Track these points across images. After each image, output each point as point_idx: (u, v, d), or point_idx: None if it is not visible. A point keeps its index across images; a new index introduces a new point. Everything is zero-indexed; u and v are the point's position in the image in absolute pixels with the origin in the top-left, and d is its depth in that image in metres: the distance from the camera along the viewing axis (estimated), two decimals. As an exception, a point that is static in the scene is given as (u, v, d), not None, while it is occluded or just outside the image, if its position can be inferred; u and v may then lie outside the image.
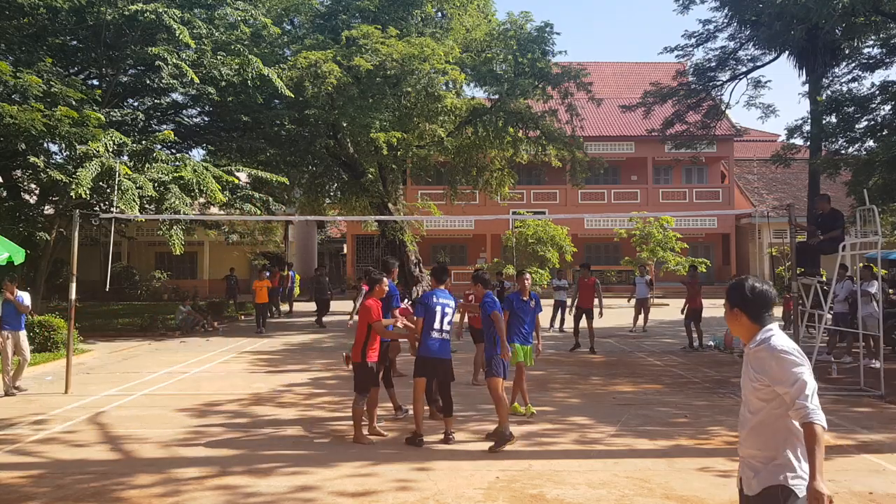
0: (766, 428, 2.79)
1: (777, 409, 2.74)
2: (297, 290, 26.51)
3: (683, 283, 16.06)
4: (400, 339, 8.60)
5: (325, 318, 19.65)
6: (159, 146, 15.68)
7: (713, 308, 15.43)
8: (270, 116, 19.08)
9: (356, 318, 7.95)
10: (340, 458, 6.22)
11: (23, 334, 9.89)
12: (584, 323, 13.72)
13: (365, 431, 6.88)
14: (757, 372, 2.79)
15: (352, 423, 6.92)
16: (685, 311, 14.32)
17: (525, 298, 7.94)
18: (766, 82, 36.02)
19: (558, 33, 43.29)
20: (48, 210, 16.43)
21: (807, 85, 20.75)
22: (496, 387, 6.78)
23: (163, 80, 16.69)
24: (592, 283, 14.00)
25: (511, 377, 7.74)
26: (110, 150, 13.80)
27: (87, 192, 12.70)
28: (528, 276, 8.18)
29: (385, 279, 7.30)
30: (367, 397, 6.86)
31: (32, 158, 13.59)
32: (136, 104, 19.00)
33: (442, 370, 6.80)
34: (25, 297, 9.93)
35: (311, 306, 23.95)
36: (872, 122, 17.37)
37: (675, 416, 7.97)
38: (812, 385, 2.67)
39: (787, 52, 21.08)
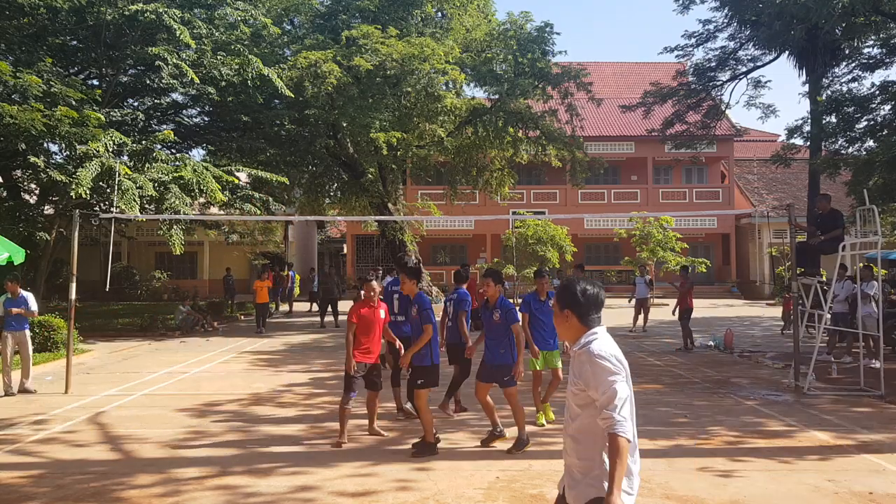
0: (584, 435, 2.69)
1: (594, 416, 2.64)
2: (297, 290, 26.51)
3: (671, 282, 16.06)
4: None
5: (332, 319, 19.36)
6: (159, 146, 15.68)
7: (713, 308, 15.50)
8: (270, 116, 19.09)
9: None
10: (340, 458, 6.22)
11: (26, 333, 9.88)
12: None
13: (348, 437, 6.75)
14: (575, 376, 2.72)
15: (351, 421, 6.93)
16: (676, 312, 14.32)
17: (543, 299, 7.50)
18: (766, 82, 36.11)
19: (558, 33, 43.35)
20: (48, 210, 16.43)
21: (807, 85, 20.77)
22: (513, 394, 6.61)
23: (163, 80, 16.70)
24: None
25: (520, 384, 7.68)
26: (110, 150, 13.80)
27: (87, 192, 12.70)
28: (546, 277, 7.76)
29: (373, 282, 6.97)
30: (350, 398, 6.70)
31: (32, 158, 13.60)
32: (136, 104, 19.01)
33: (453, 353, 7.75)
34: (30, 299, 9.91)
35: (310, 306, 24.00)
36: (872, 122, 17.38)
37: (675, 416, 7.97)
38: (623, 395, 2.57)
39: (787, 52, 21.10)
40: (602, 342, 2.71)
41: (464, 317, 7.59)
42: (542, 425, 7.45)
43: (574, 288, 2.82)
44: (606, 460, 2.58)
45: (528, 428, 7.40)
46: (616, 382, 2.59)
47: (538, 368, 7.48)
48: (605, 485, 2.55)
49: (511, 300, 9.92)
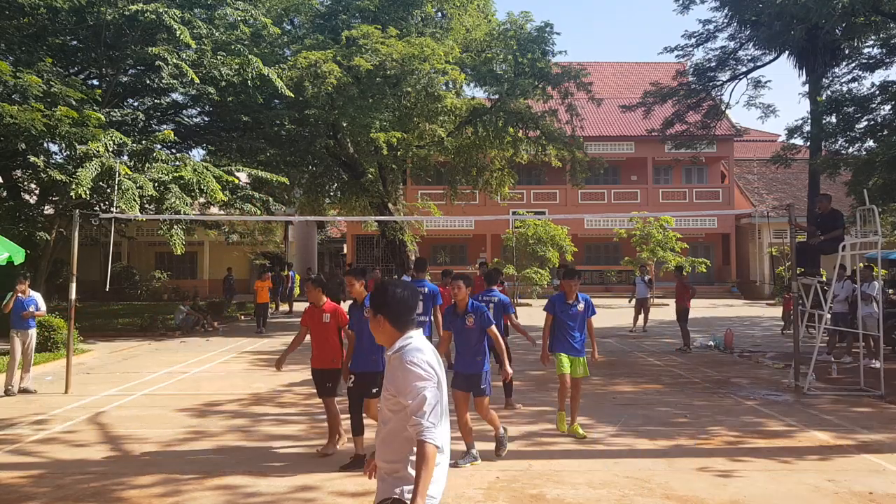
0: (394, 439, 2.66)
1: (404, 421, 2.61)
2: (297, 290, 26.52)
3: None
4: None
5: None
6: (159, 146, 15.67)
7: (713, 308, 15.52)
8: (270, 116, 19.08)
9: None
10: (341, 458, 6.21)
11: (34, 332, 9.92)
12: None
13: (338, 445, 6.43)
14: (388, 381, 2.71)
15: (351, 422, 6.93)
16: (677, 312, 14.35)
17: (570, 301, 6.97)
18: (766, 82, 36.10)
19: (558, 33, 43.29)
20: (48, 210, 16.43)
21: (807, 85, 20.77)
22: (484, 406, 6.13)
23: (163, 80, 16.69)
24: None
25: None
26: (110, 150, 13.80)
27: (87, 192, 12.70)
28: (577, 278, 7.12)
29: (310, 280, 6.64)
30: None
31: (32, 158, 13.59)
32: (136, 104, 19.00)
33: (494, 353, 7.71)
34: (39, 299, 10.00)
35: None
36: (872, 122, 17.38)
37: (675, 416, 7.97)
38: (433, 401, 2.57)
39: (787, 52, 21.10)
40: (416, 348, 2.68)
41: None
42: (584, 437, 6.88)
43: (386, 292, 2.78)
44: (412, 466, 2.57)
45: (529, 428, 7.40)
46: (426, 389, 2.58)
47: (566, 372, 6.91)
48: (405, 487, 2.58)
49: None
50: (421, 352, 2.68)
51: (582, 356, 7.00)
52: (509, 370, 6.50)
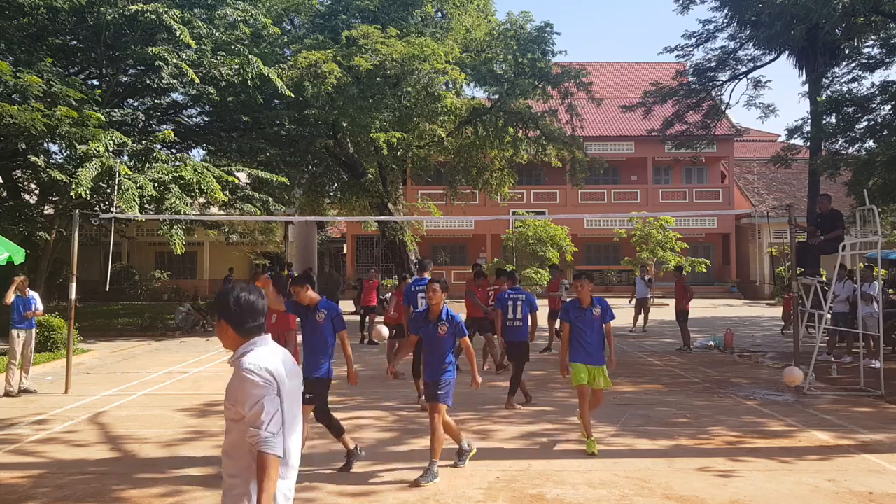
0: (236, 450, 2.53)
1: (244, 432, 2.49)
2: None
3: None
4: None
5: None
6: (159, 146, 15.69)
7: (713, 308, 15.53)
8: (270, 116, 19.08)
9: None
10: (341, 458, 6.21)
11: (34, 332, 9.94)
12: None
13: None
14: (227, 389, 2.59)
15: (350, 422, 6.93)
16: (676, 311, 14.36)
17: (585, 307, 6.58)
18: (766, 82, 35.99)
19: (558, 33, 43.29)
20: (48, 210, 16.43)
21: (807, 85, 20.77)
22: (438, 414, 5.71)
23: (163, 80, 16.70)
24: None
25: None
26: (110, 149, 13.80)
27: (87, 191, 12.70)
28: (585, 280, 6.67)
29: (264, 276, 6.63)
30: None
31: (32, 158, 13.60)
32: (136, 104, 19.01)
33: (514, 351, 8.45)
34: (38, 299, 10.00)
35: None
36: (872, 122, 17.39)
37: (675, 416, 7.97)
38: (271, 410, 2.47)
39: (787, 52, 21.10)
40: (256, 355, 2.56)
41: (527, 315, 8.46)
42: (594, 453, 6.30)
43: (227, 297, 2.64)
44: (252, 479, 2.47)
45: (529, 428, 7.40)
46: (264, 398, 2.46)
47: (584, 383, 6.46)
48: (245, 502, 2.47)
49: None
50: (262, 359, 2.54)
51: (602, 365, 6.52)
52: (479, 379, 5.97)
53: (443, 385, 5.69)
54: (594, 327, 6.51)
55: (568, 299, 16.46)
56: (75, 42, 17.13)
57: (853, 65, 19.78)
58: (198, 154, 21.62)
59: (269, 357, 2.59)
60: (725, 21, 21.60)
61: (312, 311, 5.87)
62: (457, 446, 6.03)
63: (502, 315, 8.53)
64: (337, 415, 8.01)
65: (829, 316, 10.69)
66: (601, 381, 6.52)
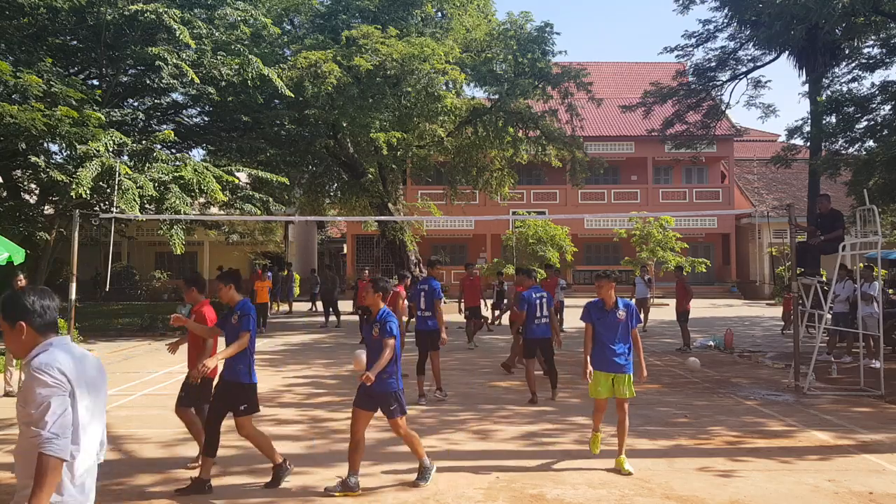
0: (28, 455, 2.38)
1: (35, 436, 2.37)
2: (296, 290, 26.53)
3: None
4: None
5: (334, 318, 19.38)
6: (159, 146, 15.69)
7: (713, 308, 15.53)
8: (270, 116, 19.08)
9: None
10: (340, 458, 6.20)
11: None
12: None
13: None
14: (20, 391, 2.48)
15: (350, 422, 6.92)
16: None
17: (609, 308, 6.01)
18: (766, 82, 36.02)
19: (558, 33, 43.33)
20: (48, 210, 16.43)
21: (807, 85, 20.77)
22: (400, 425, 5.39)
23: (163, 80, 16.70)
24: (555, 283, 14.98)
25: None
26: (110, 149, 13.80)
27: (87, 191, 12.70)
28: (606, 279, 6.06)
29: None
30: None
31: (32, 158, 13.59)
32: (136, 104, 19.01)
33: (545, 347, 8.89)
34: None
35: (312, 306, 24.03)
36: (872, 122, 17.39)
37: (675, 416, 7.97)
38: (58, 410, 2.36)
39: (787, 52, 21.11)
40: (51, 355, 2.46)
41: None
42: (629, 473, 5.75)
43: (25, 298, 2.54)
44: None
45: (529, 428, 7.40)
46: (51, 397, 2.36)
47: (601, 398, 5.99)
48: None
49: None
50: (56, 359, 2.45)
51: (626, 373, 5.89)
52: (372, 377, 5.23)
53: (393, 398, 5.32)
54: (618, 331, 5.94)
55: (564, 299, 16.62)
56: (75, 42, 17.14)
57: (853, 65, 19.79)
58: (198, 154, 21.64)
59: (66, 357, 2.50)
60: (725, 21, 21.62)
61: (230, 313, 5.58)
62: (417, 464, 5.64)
63: (530, 313, 8.78)
64: (337, 414, 8.04)
65: (829, 316, 10.70)
66: (626, 389, 5.91)
